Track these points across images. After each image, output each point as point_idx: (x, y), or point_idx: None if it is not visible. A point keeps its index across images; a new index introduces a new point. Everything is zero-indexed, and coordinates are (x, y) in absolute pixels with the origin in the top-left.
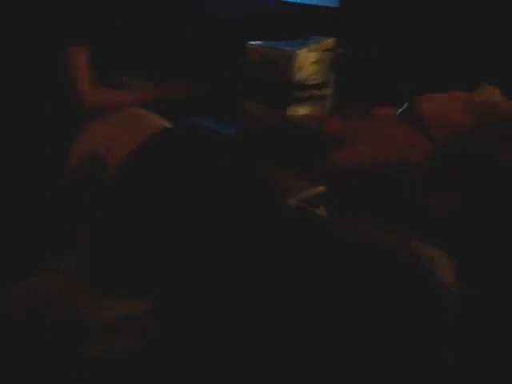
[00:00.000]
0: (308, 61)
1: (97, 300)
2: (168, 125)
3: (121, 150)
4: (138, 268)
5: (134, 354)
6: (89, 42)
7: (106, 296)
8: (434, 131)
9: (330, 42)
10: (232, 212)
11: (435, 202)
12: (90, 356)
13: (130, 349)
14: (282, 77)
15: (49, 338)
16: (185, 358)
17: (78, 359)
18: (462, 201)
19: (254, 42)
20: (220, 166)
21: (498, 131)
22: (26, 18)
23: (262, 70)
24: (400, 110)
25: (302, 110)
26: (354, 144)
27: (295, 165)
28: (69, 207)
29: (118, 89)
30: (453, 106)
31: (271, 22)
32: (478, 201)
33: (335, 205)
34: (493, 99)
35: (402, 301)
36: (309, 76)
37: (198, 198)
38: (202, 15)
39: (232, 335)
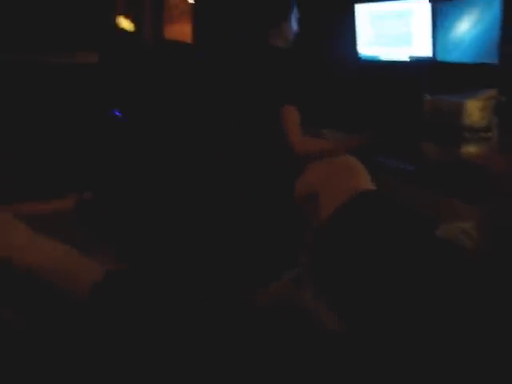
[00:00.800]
0: (475, 108)
1: (318, 303)
2: (371, 186)
3: (332, 200)
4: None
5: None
6: (298, 103)
7: (324, 301)
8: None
9: (492, 92)
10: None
11: None
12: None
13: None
14: (453, 122)
15: (283, 328)
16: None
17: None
18: None
19: (429, 95)
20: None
21: None
22: (259, 89)
23: (436, 117)
24: None
25: (472, 149)
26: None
27: (466, 196)
28: (296, 226)
29: (319, 138)
30: None
31: (442, 77)
32: None
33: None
34: None
35: None
36: (476, 121)
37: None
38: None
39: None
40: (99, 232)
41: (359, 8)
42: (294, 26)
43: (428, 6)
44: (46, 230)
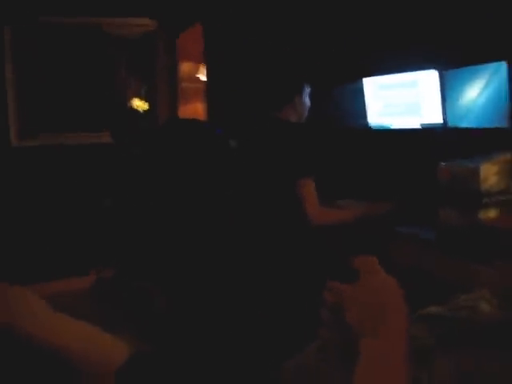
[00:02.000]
0: (491, 172)
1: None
2: None
3: None
4: None
5: None
6: (313, 175)
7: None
8: None
9: (507, 155)
10: None
11: None
12: None
13: None
14: (469, 187)
15: None
16: None
17: None
18: None
19: (443, 162)
20: None
21: None
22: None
23: (452, 184)
24: None
25: (490, 214)
26: None
27: (488, 260)
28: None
29: (336, 209)
30: None
31: (455, 144)
32: None
33: None
34: None
35: None
36: (492, 184)
37: None
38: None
39: None
40: (119, 311)
41: (367, 81)
42: (307, 101)
43: (435, 75)
44: (65, 309)
